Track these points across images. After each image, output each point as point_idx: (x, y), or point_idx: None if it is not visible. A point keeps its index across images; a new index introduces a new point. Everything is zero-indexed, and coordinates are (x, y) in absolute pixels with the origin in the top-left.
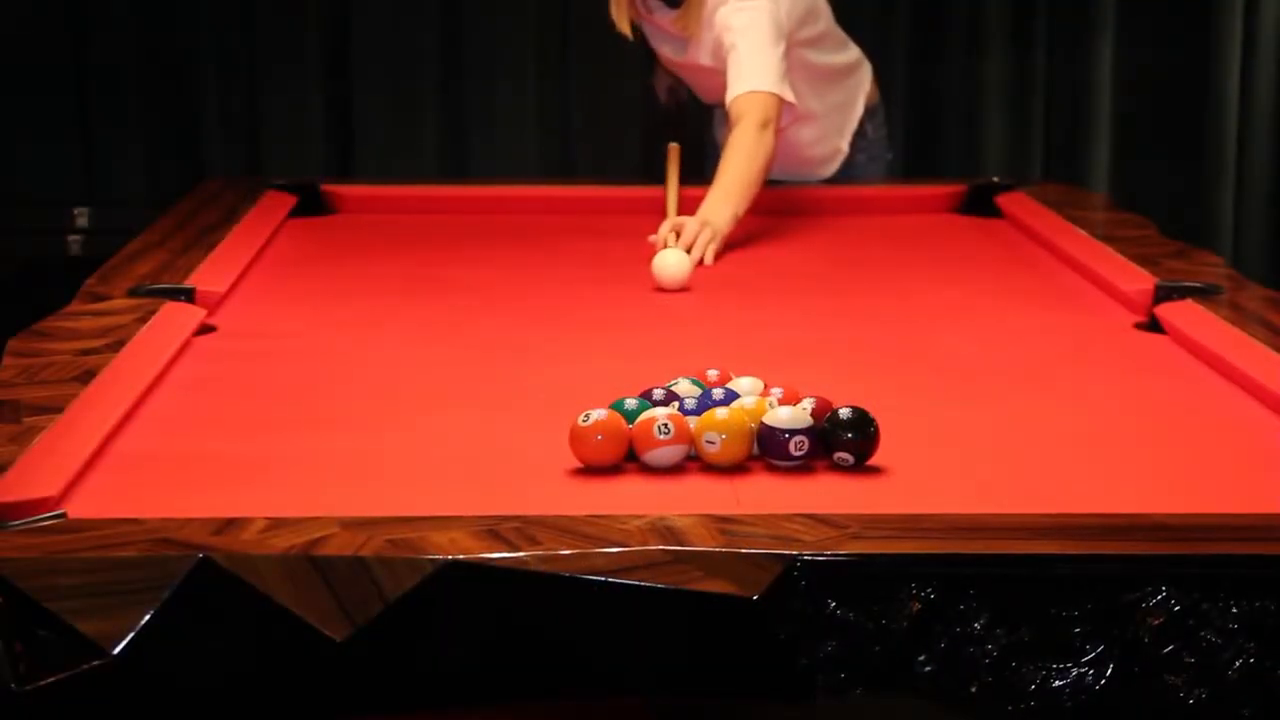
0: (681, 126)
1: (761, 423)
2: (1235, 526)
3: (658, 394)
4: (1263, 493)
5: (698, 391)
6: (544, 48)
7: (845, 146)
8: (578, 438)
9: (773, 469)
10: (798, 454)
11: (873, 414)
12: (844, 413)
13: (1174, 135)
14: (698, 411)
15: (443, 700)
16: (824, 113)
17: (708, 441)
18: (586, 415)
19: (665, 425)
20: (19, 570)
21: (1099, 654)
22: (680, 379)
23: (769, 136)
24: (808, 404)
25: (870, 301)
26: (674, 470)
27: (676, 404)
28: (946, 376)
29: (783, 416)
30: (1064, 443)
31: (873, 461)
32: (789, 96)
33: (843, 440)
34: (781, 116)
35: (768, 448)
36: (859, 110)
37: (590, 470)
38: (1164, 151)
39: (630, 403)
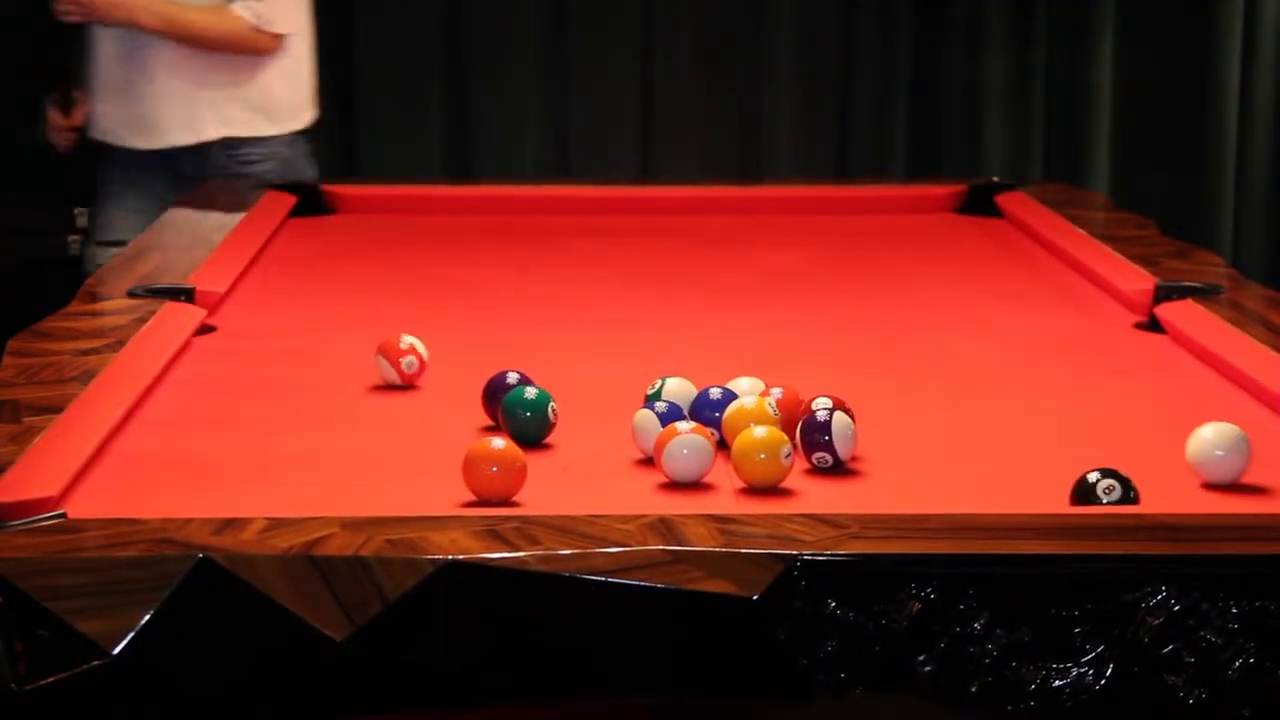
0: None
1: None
2: (1235, 526)
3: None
4: (1263, 493)
5: (691, 391)
6: (544, 48)
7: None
8: (472, 465)
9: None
10: (820, 465)
11: (893, 417)
12: (1093, 477)
13: (1174, 135)
14: (695, 414)
15: (443, 700)
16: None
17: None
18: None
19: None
20: (19, 570)
21: (1099, 654)
22: (666, 378)
23: (235, 39)
24: (776, 394)
25: (870, 301)
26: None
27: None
28: (946, 376)
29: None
30: (1064, 442)
31: (873, 461)
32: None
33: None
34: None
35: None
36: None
37: (590, 470)
38: (1164, 151)
39: (530, 391)
